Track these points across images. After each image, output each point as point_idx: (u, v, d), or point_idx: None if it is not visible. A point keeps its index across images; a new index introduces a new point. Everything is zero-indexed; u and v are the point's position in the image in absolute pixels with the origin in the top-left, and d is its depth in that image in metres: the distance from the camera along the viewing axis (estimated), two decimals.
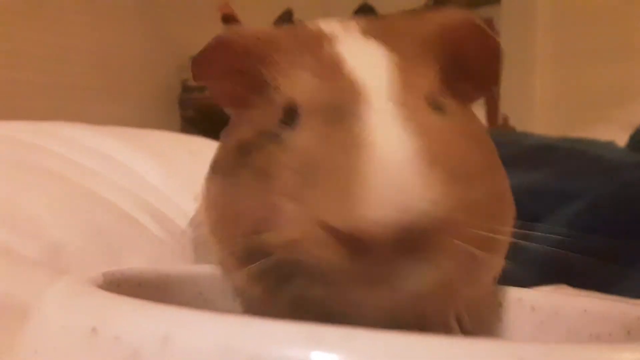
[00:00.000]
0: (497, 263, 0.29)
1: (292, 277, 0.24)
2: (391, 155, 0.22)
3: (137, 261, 0.53)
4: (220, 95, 0.33)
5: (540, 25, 2.40)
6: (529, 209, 0.96)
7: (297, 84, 0.28)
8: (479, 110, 2.42)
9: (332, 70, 0.27)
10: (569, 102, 2.26)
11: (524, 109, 2.37)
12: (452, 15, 0.31)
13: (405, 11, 0.36)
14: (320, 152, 0.24)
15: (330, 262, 0.22)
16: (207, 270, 0.36)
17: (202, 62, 0.32)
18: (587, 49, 2.23)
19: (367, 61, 0.27)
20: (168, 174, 0.77)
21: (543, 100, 2.37)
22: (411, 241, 0.21)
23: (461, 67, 0.31)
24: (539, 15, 2.40)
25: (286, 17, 2.74)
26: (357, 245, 0.21)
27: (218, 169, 0.32)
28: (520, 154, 0.96)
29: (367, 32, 0.30)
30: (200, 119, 2.47)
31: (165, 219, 0.67)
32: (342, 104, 0.25)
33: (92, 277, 0.25)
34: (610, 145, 1.04)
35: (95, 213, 0.56)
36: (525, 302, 0.34)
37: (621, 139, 1.17)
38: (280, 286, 0.25)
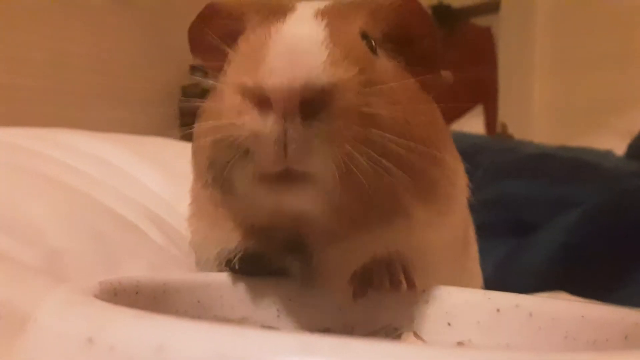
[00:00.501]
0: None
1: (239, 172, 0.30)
2: (300, 40, 0.29)
3: (137, 268, 0.52)
4: (215, 67, 0.38)
5: (538, 33, 2.41)
6: (529, 217, 0.97)
7: (257, 27, 0.34)
8: (478, 118, 2.43)
9: (283, 11, 0.33)
10: (568, 110, 2.27)
11: (522, 117, 2.37)
12: None
13: None
14: (249, 44, 0.31)
15: (247, 124, 0.28)
16: (205, 277, 0.36)
17: (197, 29, 0.37)
18: (586, 57, 2.24)
19: (311, 5, 0.34)
20: (167, 180, 0.77)
21: (541, 108, 2.38)
22: (307, 100, 0.27)
23: (402, 37, 0.36)
24: (537, 24, 2.41)
25: None
26: (264, 101, 0.27)
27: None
28: (519, 162, 0.96)
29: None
30: None
31: (165, 225, 0.67)
32: (275, 15, 0.32)
33: (89, 286, 0.25)
34: (608, 154, 1.05)
35: (95, 219, 0.56)
36: (523, 308, 0.33)
37: (619, 147, 1.17)
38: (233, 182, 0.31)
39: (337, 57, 0.28)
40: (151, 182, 0.76)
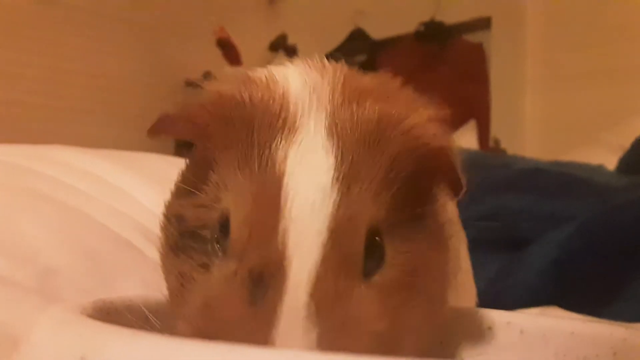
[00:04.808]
0: None
1: None
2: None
3: (131, 285, 0.52)
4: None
5: (530, 49, 2.44)
6: (521, 232, 0.97)
7: (234, 197, 0.27)
8: (471, 133, 2.44)
9: (271, 201, 0.26)
10: (560, 125, 2.29)
11: (514, 132, 2.39)
12: (425, 138, 0.29)
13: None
14: (228, 319, 0.24)
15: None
16: None
17: (155, 133, 0.34)
18: (577, 73, 2.27)
19: (308, 197, 0.26)
20: (161, 196, 0.77)
21: (534, 123, 2.40)
22: None
23: (421, 190, 0.30)
24: (528, 40, 2.44)
25: (280, 42, 2.78)
26: None
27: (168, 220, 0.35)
28: (512, 177, 0.97)
29: (335, 119, 0.28)
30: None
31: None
32: (266, 271, 0.25)
33: (82, 306, 0.26)
34: (599, 169, 1.06)
35: (89, 237, 0.55)
36: (514, 325, 0.34)
37: (611, 162, 1.19)
38: None
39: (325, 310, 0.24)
40: (145, 198, 0.76)
